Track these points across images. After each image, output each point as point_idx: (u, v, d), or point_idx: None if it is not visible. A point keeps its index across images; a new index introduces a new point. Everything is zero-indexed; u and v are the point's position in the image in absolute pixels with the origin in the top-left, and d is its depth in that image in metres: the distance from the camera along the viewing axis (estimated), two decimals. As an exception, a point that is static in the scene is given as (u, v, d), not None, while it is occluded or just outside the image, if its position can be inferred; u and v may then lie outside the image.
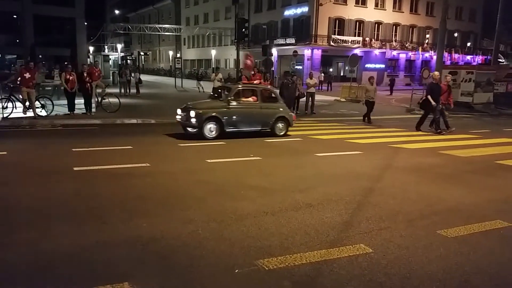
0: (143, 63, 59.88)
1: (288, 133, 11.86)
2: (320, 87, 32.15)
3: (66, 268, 3.46)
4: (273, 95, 11.99)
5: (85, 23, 35.66)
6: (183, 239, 4.09)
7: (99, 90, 15.95)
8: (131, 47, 76.98)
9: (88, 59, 36.39)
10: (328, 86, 35.74)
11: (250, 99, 11.34)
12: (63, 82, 14.27)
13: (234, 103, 10.88)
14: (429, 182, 6.74)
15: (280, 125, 11.47)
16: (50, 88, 17.03)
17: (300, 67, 37.80)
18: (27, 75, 13.00)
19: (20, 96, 13.22)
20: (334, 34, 38.85)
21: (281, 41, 39.58)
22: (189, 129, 10.73)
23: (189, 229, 4.36)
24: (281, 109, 11.61)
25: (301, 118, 16.23)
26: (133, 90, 25.49)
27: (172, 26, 51.16)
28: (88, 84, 14.70)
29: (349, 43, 39.36)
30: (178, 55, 49.95)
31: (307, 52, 38.22)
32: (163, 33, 49.75)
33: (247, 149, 9.24)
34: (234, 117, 10.83)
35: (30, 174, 6.70)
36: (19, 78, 13.15)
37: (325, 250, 3.89)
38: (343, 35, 39.35)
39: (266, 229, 4.42)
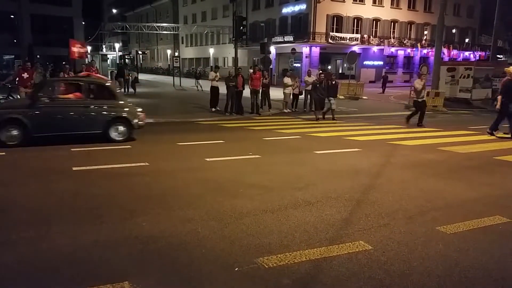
0: (141, 62, 59.88)
1: (286, 131, 11.84)
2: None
3: (66, 267, 3.46)
4: (108, 91, 9.73)
5: (83, 23, 35.57)
6: (182, 238, 4.09)
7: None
8: (129, 46, 76.85)
9: (86, 59, 36.33)
10: (327, 83, 35.71)
11: (70, 95, 9.42)
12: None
13: (45, 100, 8.98)
14: (428, 178, 6.74)
15: (117, 127, 9.51)
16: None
17: (299, 65, 37.79)
18: (25, 75, 12.98)
19: (18, 96, 13.20)
20: (332, 32, 38.80)
21: (279, 38, 39.54)
22: None
23: (188, 227, 4.36)
24: (120, 108, 9.57)
25: (300, 115, 16.27)
26: (132, 89, 25.52)
27: (170, 24, 51.05)
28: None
29: (347, 40, 39.31)
30: (176, 53, 49.83)
31: (305, 49, 38.19)
32: (161, 32, 49.63)
33: (246, 148, 9.24)
34: (46, 118, 8.91)
35: (29, 174, 6.69)
36: (17, 79, 13.14)
37: (325, 248, 3.90)
38: (341, 33, 39.31)
39: (266, 227, 4.42)
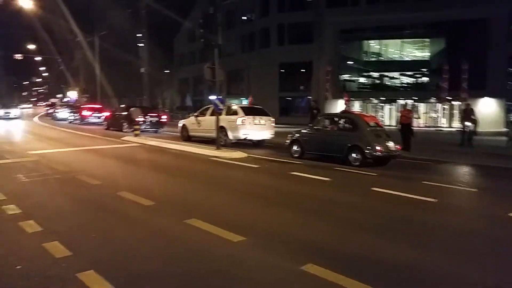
0: None
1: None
2: None
3: None
4: (354, 123, 11.41)
5: None
6: None
7: None
8: None
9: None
10: None
11: (330, 126, 11.99)
12: None
13: (313, 128, 12.42)
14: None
15: (352, 154, 10.91)
16: None
17: None
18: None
19: None
20: None
21: None
22: None
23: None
24: (356, 138, 10.92)
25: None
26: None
27: None
28: None
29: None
30: None
31: None
32: None
33: None
34: (310, 141, 12.14)
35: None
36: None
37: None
38: None
39: None
